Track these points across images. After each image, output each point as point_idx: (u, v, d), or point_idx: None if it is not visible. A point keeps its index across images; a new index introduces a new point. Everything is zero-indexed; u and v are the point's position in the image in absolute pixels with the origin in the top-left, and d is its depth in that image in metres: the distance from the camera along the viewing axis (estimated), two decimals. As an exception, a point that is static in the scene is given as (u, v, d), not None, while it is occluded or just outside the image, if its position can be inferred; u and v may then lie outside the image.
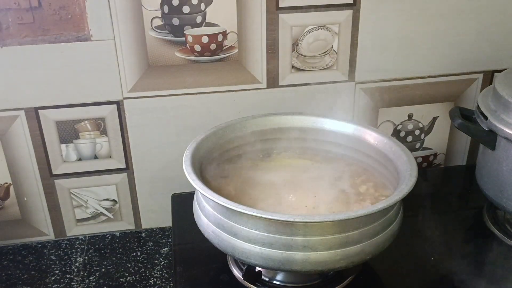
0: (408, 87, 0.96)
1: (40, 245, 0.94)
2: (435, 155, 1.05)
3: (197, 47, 0.86)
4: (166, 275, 0.87)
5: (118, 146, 0.90)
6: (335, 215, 0.62)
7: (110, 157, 0.91)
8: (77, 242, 0.95)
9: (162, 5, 0.82)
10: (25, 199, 0.91)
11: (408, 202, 0.70)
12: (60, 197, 0.92)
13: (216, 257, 0.77)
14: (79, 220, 0.95)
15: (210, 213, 0.68)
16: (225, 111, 0.90)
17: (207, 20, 0.84)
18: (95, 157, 0.90)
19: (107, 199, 0.94)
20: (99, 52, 0.83)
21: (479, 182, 0.84)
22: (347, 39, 0.90)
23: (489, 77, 0.99)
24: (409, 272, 0.78)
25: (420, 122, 1.01)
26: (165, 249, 0.93)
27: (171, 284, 0.85)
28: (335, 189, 0.75)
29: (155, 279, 0.86)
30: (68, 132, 0.87)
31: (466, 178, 1.03)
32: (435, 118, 1.01)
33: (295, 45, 0.89)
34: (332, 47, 0.90)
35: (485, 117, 0.77)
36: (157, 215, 0.97)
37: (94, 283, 0.85)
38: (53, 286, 0.85)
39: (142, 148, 0.91)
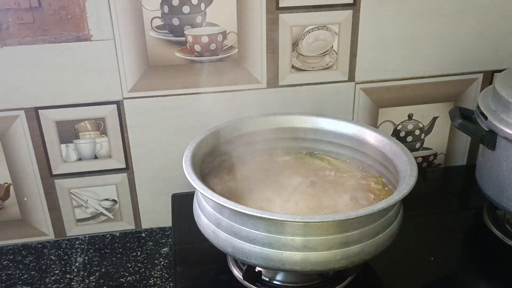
0: (408, 87, 0.96)
1: (40, 245, 0.94)
2: (435, 155, 1.05)
3: (197, 47, 0.86)
4: (166, 275, 0.87)
5: (118, 146, 0.90)
6: (335, 215, 0.62)
7: (110, 157, 0.91)
8: (77, 242, 0.95)
9: (162, 5, 0.82)
10: (25, 199, 0.91)
11: (408, 202, 0.70)
12: (60, 197, 0.92)
13: (216, 257, 0.77)
14: (79, 220, 0.95)
15: (210, 213, 0.68)
16: (225, 111, 0.90)
17: (207, 20, 0.84)
18: (95, 157, 0.90)
19: (107, 199, 0.94)
20: (99, 52, 0.83)
21: (479, 182, 0.84)
22: (347, 39, 0.90)
23: (489, 77, 0.99)
24: (409, 272, 0.78)
25: (420, 122, 1.01)
26: (165, 249, 0.93)
27: (171, 284, 0.85)
28: (335, 189, 0.75)
29: (155, 279, 0.86)
30: (68, 132, 0.87)
31: (466, 178, 1.03)
32: (435, 118, 1.01)
33: (295, 45, 0.89)
34: (332, 47, 0.90)
35: (485, 117, 0.77)
36: (157, 215, 0.97)
37: (94, 283, 0.85)
38: (53, 286, 0.85)
39: (142, 148, 0.91)
